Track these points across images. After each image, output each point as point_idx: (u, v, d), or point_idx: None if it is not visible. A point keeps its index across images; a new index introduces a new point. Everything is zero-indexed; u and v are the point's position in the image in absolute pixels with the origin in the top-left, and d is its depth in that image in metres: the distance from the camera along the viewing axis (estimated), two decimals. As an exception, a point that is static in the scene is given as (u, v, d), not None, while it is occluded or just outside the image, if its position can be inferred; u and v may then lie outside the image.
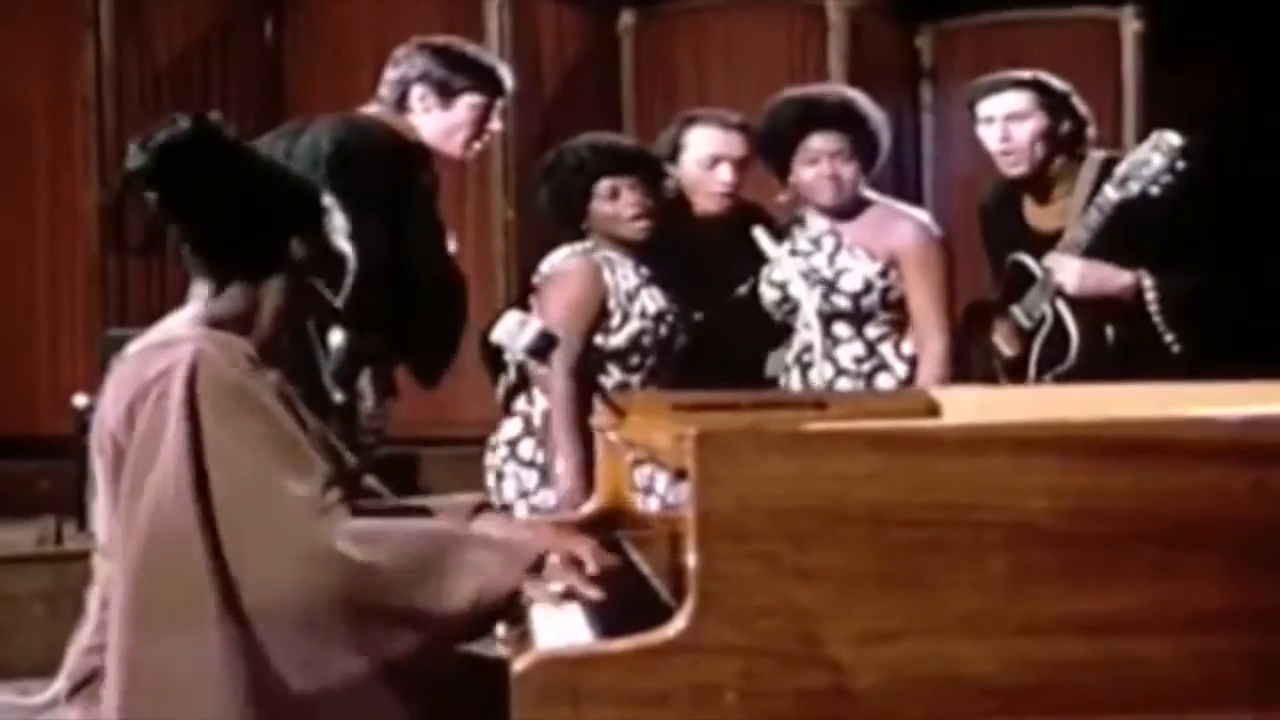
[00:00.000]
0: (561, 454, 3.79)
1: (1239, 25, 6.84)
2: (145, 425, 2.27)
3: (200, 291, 2.45)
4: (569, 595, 2.28)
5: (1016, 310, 4.01)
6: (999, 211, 4.19)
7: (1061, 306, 3.92)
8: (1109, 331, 3.90)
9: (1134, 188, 3.78)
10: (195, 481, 2.22)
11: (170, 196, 2.39)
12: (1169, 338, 3.86)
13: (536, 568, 2.30)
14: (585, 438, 3.61)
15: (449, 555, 2.25)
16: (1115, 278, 3.88)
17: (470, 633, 2.33)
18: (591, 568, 2.33)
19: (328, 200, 2.53)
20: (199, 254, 2.44)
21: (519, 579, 2.28)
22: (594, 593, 2.28)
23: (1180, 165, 3.76)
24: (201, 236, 2.43)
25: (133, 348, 2.41)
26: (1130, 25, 7.27)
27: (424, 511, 2.58)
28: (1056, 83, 4.08)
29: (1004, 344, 4.07)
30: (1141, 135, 7.31)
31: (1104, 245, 3.87)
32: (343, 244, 2.53)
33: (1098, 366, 3.83)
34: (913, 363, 3.99)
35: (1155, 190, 3.77)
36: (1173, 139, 3.81)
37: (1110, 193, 3.81)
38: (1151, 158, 3.78)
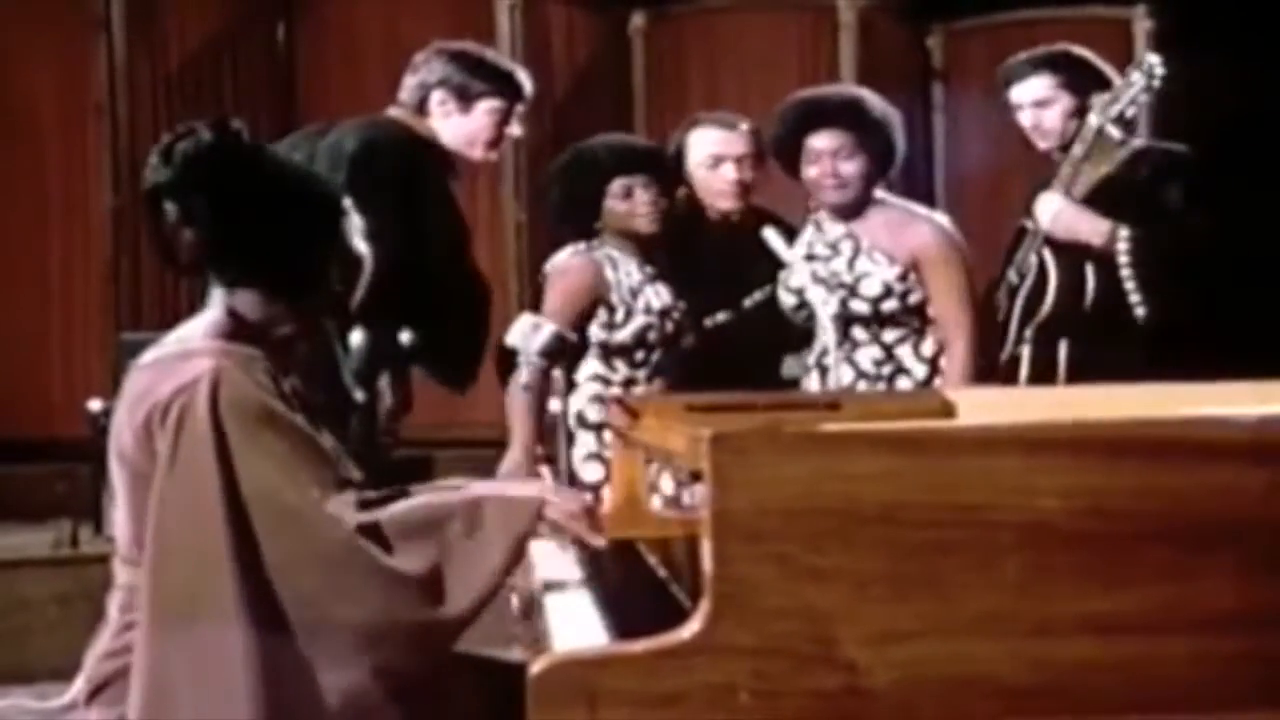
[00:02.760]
0: (517, 429, 3.88)
1: (1250, 24, 6.83)
2: (167, 448, 2.27)
3: (218, 298, 2.45)
4: (577, 543, 2.44)
5: (1010, 272, 4.04)
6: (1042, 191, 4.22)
7: (1046, 254, 3.94)
8: (1089, 283, 3.90)
9: (1113, 110, 3.86)
10: (226, 502, 2.23)
11: (193, 208, 2.39)
12: (1135, 298, 3.86)
13: (535, 521, 2.35)
14: (537, 420, 3.84)
15: (465, 537, 2.29)
16: (1090, 220, 3.91)
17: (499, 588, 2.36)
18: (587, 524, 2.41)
19: (345, 202, 2.53)
20: (224, 265, 2.43)
21: (528, 527, 2.33)
22: (598, 540, 2.40)
23: (1157, 83, 3.82)
24: (227, 248, 2.42)
25: (148, 357, 2.40)
26: (1142, 24, 7.26)
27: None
28: (1080, 54, 4.11)
29: (998, 310, 4.08)
30: (1153, 134, 7.36)
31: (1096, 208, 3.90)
32: (359, 245, 2.53)
33: (1072, 323, 3.85)
34: (932, 364, 3.98)
35: (1132, 111, 3.86)
36: (1153, 59, 3.86)
37: (1092, 119, 3.88)
38: (1132, 75, 3.85)
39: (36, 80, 6.62)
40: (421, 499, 2.38)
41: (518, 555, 2.34)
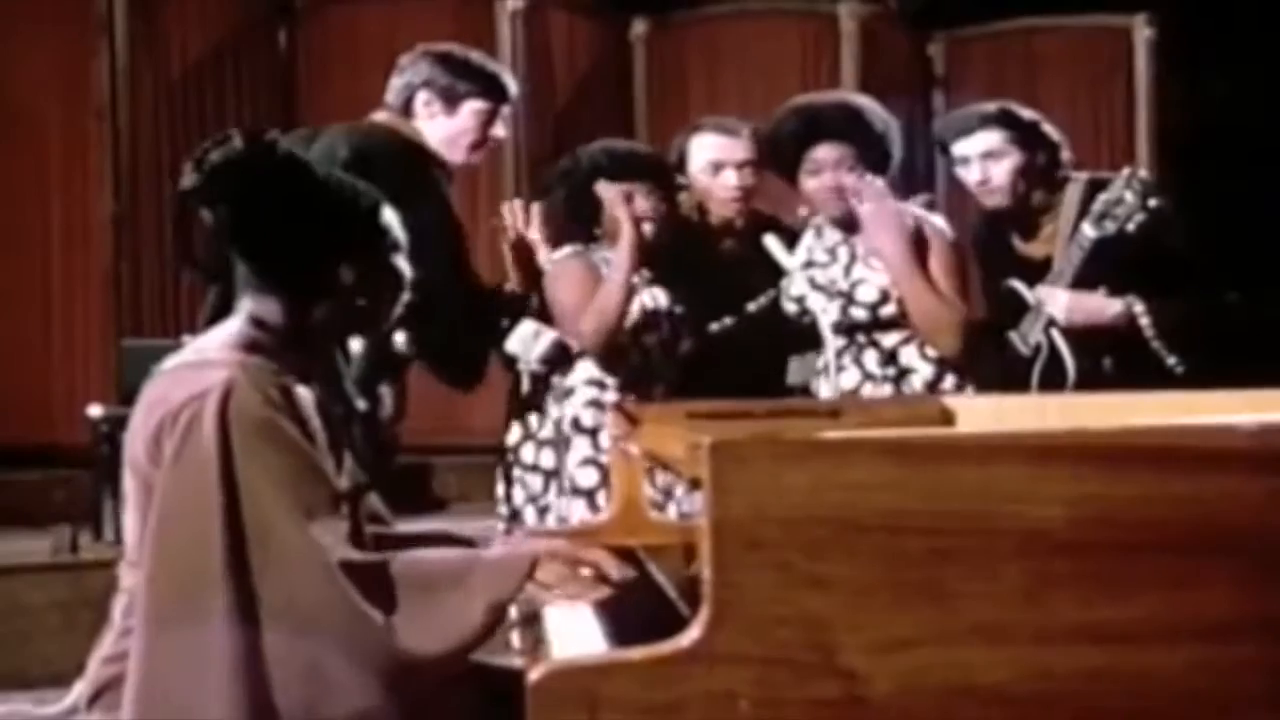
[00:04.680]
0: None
1: (1250, 32, 6.84)
2: (172, 452, 2.27)
3: (245, 307, 2.45)
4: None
5: (1014, 336, 4.04)
6: (989, 240, 4.23)
7: (1056, 336, 3.96)
8: (1105, 361, 3.92)
9: (1110, 226, 3.83)
10: (224, 507, 2.23)
11: (220, 215, 2.40)
12: (1171, 360, 3.88)
13: (529, 575, 2.32)
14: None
15: (449, 591, 2.27)
16: (1105, 308, 3.92)
17: (475, 647, 2.34)
18: (613, 572, 2.36)
19: (388, 216, 2.53)
20: (248, 273, 2.44)
21: (514, 590, 2.30)
22: (601, 592, 2.33)
23: (1153, 202, 3.81)
24: (251, 256, 2.43)
25: (167, 364, 2.41)
26: (1142, 32, 7.29)
27: (429, 539, 2.59)
28: (1025, 113, 4.10)
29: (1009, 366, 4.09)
30: (1153, 141, 7.38)
31: (1094, 273, 3.90)
32: (401, 263, 2.53)
33: (1096, 385, 3.86)
34: (938, 363, 3.98)
35: (1131, 228, 3.82)
36: (1144, 175, 3.86)
37: (1088, 230, 3.86)
38: (1124, 195, 3.82)
39: (38, 85, 6.62)
40: (418, 554, 2.40)
41: (497, 617, 2.30)
